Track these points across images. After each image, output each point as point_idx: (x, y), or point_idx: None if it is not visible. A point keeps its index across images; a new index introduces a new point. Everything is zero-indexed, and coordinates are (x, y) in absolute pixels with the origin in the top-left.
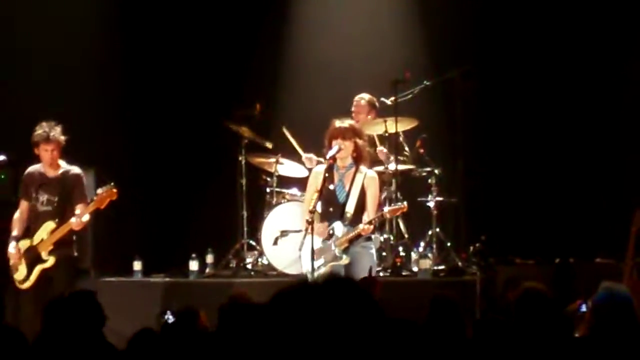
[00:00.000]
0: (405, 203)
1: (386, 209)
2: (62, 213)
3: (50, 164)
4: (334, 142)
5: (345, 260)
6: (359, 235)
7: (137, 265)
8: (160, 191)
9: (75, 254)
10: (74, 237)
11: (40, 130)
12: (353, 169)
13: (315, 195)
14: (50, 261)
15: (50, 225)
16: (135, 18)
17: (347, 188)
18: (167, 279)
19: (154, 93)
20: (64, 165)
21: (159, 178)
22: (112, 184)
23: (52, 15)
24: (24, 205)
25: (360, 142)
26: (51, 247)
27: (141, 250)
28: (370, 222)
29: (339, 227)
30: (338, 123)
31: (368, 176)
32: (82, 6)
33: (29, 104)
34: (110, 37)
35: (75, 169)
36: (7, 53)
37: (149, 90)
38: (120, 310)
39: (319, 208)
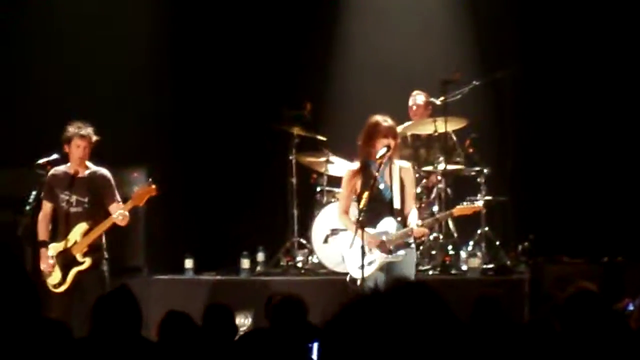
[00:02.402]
0: (480, 203)
1: (458, 207)
2: (93, 214)
3: (80, 162)
4: (382, 141)
5: (399, 257)
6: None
7: (189, 263)
8: (212, 190)
9: (106, 256)
10: (104, 240)
11: (74, 127)
12: (389, 165)
13: (366, 194)
14: (87, 263)
15: (83, 226)
16: (187, 20)
17: (389, 184)
18: (218, 277)
19: (207, 92)
20: (91, 166)
21: (211, 177)
22: (150, 179)
23: (101, 16)
24: (47, 207)
25: (398, 141)
26: (86, 249)
27: (193, 248)
28: (424, 226)
29: (392, 224)
30: (385, 122)
31: (403, 168)
32: (133, 9)
33: (82, 104)
34: (162, 38)
35: (103, 170)
36: (57, 53)
37: (202, 90)
38: (171, 307)
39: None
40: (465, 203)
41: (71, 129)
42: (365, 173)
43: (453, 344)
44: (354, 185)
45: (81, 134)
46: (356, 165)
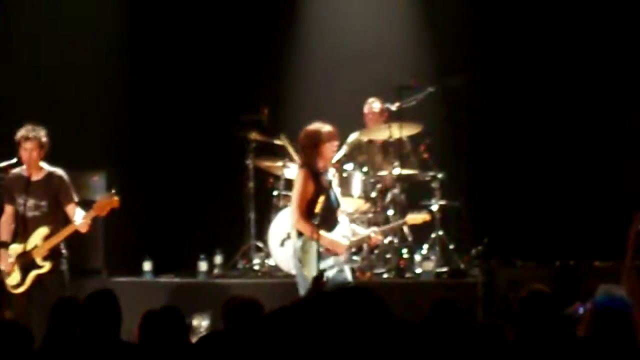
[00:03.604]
0: (427, 214)
1: (409, 217)
2: (53, 217)
3: (30, 164)
4: (327, 145)
5: (356, 262)
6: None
7: (147, 266)
8: (170, 193)
9: (65, 254)
10: (62, 245)
11: (23, 130)
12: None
13: (322, 198)
14: (47, 267)
15: (43, 231)
16: (146, 26)
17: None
18: (176, 280)
19: (165, 97)
20: (46, 167)
21: (169, 180)
22: (113, 191)
23: (64, 19)
24: (8, 209)
25: None
26: (47, 253)
27: (151, 250)
28: (382, 232)
29: (348, 229)
30: (324, 127)
31: (333, 176)
32: (95, 15)
33: (44, 108)
34: (120, 41)
35: (59, 171)
36: (19, 55)
37: (161, 95)
38: (130, 310)
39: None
40: (416, 212)
41: (19, 132)
42: (320, 179)
43: (394, 345)
44: (309, 190)
45: (27, 137)
46: (306, 169)
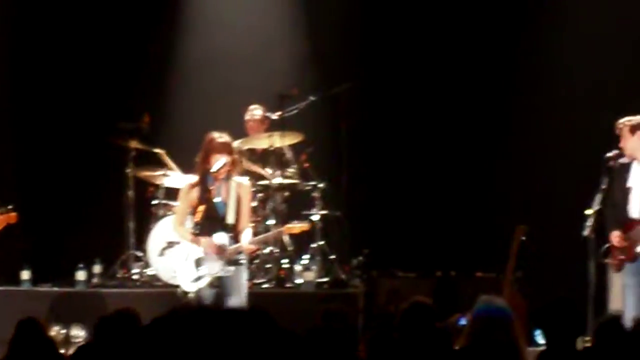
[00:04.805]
0: (307, 223)
1: (287, 226)
2: None
3: None
4: (216, 157)
5: (229, 272)
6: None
7: (25, 275)
8: (49, 201)
9: None
10: None
11: None
12: (227, 181)
13: (202, 207)
14: None
15: None
16: (24, 32)
17: (224, 200)
18: (55, 289)
19: (42, 102)
20: None
21: (47, 189)
22: (10, 207)
23: None
24: None
25: (235, 157)
26: None
27: (29, 259)
28: (255, 243)
29: (224, 239)
30: (220, 138)
31: (241, 184)
32: None
33: None
34: None
35: None
36: None
37: (37, 100)
38: (7, 319)
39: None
40: (294, 222)
41: None
42: (202, 188)
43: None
44: (191, 199)
45: None
46: (194, 179)
